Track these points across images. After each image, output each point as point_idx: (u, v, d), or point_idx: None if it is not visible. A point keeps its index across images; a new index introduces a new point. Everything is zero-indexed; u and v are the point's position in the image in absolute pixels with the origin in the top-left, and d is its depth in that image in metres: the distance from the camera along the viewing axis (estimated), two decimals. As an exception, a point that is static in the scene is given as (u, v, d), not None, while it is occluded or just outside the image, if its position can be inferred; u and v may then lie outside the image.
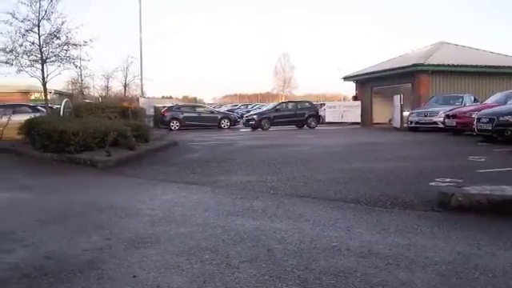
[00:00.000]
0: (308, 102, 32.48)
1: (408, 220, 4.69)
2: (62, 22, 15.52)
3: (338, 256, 3.55)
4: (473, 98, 20.33)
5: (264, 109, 31.18)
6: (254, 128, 26.05)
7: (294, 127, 26.94)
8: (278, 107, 28.65)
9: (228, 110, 41.53)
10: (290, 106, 29.07)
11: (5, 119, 15.30)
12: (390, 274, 3.16)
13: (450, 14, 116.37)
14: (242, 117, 31.86)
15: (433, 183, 6.44)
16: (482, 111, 14.09)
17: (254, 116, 27.35)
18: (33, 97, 36.12)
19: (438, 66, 23.76)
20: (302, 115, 27.36)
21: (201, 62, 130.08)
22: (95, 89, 45.64)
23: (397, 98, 22.49)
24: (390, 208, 5.23)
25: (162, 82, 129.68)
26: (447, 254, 3.57)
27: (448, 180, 6.61)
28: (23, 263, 3.52)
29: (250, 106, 54.39)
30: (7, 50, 15.13)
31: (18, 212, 5.44)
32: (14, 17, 14.96)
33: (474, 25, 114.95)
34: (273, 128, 26.20)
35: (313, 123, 27.07)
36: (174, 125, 27.08)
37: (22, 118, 14.42)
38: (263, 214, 5.03)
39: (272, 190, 6.43)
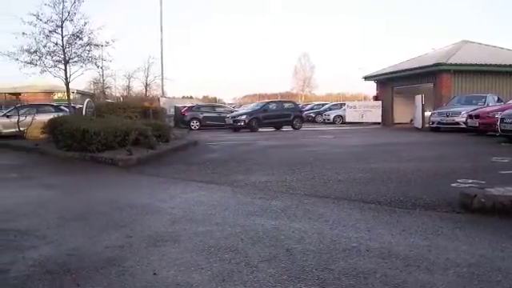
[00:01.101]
0: (292, 101, 31.42)
1: (429, 221, 4.64)
2: (85, 23, 15.80)
3: (357, 257, 3.54)
4: (496, 98, 19.97)
5: (249, 108, 28.20)
6: (236, 129, 24.38)
7: (274, 129, 25.38)
8: (265, 107, 26.27)
9: (248, 110, 41.55)
10: (276, 106, 26.99)
11: (29, 119, 15.60)
12: (410, 276, 3.13)
13: (472, 13, 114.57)
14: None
15: (455, 184, 6.35)
16: (506, 111, 13.82)
17: (243, 116, 25.14)
18: (56, 97, 36.78)
19: (460, 65, 23.38)
20: (288, 116, 25.98)
21: (221, 62, 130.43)
22: (117, 89, 46.31)
23: (418, 97, 22.24)
24: (410, 209, 5.18)
25: (183, 82, 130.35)
26: (469, 256, 3.52)
27: (470, 181, 6.52)
28: (47, 260, 3.59)
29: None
30: (31, 50, 15.46)
31: (42, 210, 5.54)
32: (38, 18, 15.28)
33: (497, 23, 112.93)
34: (260, 129, 24.56)
35: (298, 124, 25.97)
36: (194, 124, 27.23)
37: (45, 117, 14.72)
38: (282, 213, 5.03)
39: (291, 190, 6.43)
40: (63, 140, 11.37)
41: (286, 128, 25.35)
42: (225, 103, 52.82)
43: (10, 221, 4.90)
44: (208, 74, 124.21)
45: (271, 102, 29.33)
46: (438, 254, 3.60)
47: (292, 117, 26.12)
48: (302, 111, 29.27)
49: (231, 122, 25.21)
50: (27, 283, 3.14)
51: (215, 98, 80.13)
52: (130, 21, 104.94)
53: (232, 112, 29.74)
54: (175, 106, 28.88)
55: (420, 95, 22.14)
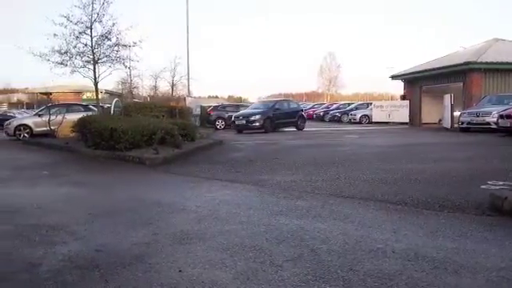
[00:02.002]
0: (295, 101, 30.34)
1: (457, 223, 4.56)
2: (113, 24, 16.03)
3: (383, 258, 3.50)
4: (529, 98, 19.43)
5: (256, 107, 25.07)
6: (239, 131, 22.13)
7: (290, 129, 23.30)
8: (277, 106, 23.94)
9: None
10: (283, 105, 24.87)
11: (59, 118, 15.94)
12: (437, 279, 3.09)
13: (502, 10, 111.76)
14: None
15: (484, 186, 6.22)
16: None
17: (257, 116, 22.29)
18: (85, 96, 37.50)
19: (491, 63, 22.82)
20: (293, 116, 24.34)
21: (246, 62, 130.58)
22: (144, 88, 46.79)
23: (447, 97, 21.84)
24: (438, 211, 5.10)
25: (208, 82, 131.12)
26: (499, 260, 3.44)
27: (501, 183, 6.36)
28: (76, 255, 3.69)
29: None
30: (62, 51, 15.78)
31: (72, 206, 5.68)
32: (68, 20, 15.58)
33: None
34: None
35: (302, 124, 24.41)
36: (220, 124, 27.34)
37: (75, 116, 15.01)
38: (307, 213, 5.02)
39: (316, 190, 6.41)
40: (92, 139, 11.59)
41: (287, 129, 23.32)
42: (250, 103, 52.87)
43: (41, 216, 5.04)
44: (233, 73, 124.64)
45: (278, 100, 27.12)
46: (466, 256, 3.53)
47: (297, 117, 24.58)
48: (303, 110, 28.17)
49: (243, 122, 22.23)
50: (57, 277, 3.22)
51: (240, 98, 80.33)
52: (157, 21, 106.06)
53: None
54: (201, 106, 29.04)
55: (449, 94, 21.73)
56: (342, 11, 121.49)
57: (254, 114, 22.75)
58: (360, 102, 42.04)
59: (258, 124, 22.03)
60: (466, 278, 3.10)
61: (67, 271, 3.33)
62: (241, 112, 24.39)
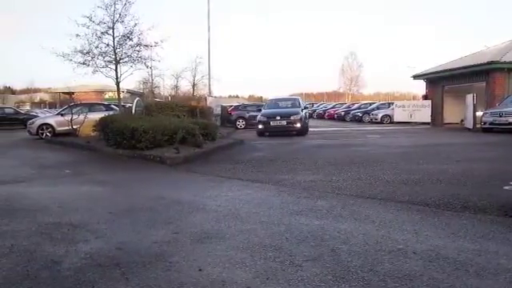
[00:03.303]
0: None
1: (479, 225, 4.50)
2: (135, 24, 16.27)
3: (403, 259, 3.48)
4: (553, 97, 19.01)
5: (271, 107, 21.05)
6: (261, 134, 18.82)
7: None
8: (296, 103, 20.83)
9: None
10: (289, 103, 21.49)
11: (81, 117, 16.19)
12: (458, 280, 3.05)
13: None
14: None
15: (507, 187, 6.13)
16: None
17: (297, 116, 18.80)
18: (106, 96, 38.05)
19: (515, 63, 22.39)
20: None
21: (268, 62, 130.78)
22: (165, 88, 47.16)
23: (470, 97, 21.50)
24: (460, 212, 5.04)
25: (229, 82, 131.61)
26: (522, 262, 3.39)
27: (525, 184, 6.26)
28: (97, 253, 3.74)
29: (315, 105, 53.96)
30: (84, 51, 16.04)
31: (93, 205, 5.76)
32: (91, 20, 15.84)
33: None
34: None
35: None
36: (240, 123, 27.43)
37: (96, 116, 15.26)
38: (328, 213, 5.01)
39: (337, 190, 6.38)
40: (113, 138, 11.75)
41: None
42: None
43: (63, 215, 5.12)
44: (254, 73, 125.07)
45: (283, 99, 23.05)
46: (488, 258, 3.49)
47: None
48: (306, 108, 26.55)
49: (282, 123, 18.41)
50: (79, 275, 3.28)
51: (261, 98, 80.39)
52: (178, 21, 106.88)
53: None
54: (221, 106, 29.16)
55: (471, 94, 21.39)
56: (364, 10, 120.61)
57: (293, 114, 18.73)
58: (381, 102, 41.70)
59: (299, 125, 18.35)
60: (488, 280, 3.07)
61: (88, 269, 3.38)
62: (272, 111, 19.41)
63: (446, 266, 3.31)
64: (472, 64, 24.34)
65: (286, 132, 18.13)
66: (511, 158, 9.91)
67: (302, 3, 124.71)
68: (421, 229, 4.35)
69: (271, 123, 18.34)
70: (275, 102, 21.34)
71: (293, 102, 21.35)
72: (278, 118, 18.45)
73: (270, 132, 18.32)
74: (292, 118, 18.33)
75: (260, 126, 18.79)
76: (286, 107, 20.08)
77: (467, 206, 5.21)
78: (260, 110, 28.85)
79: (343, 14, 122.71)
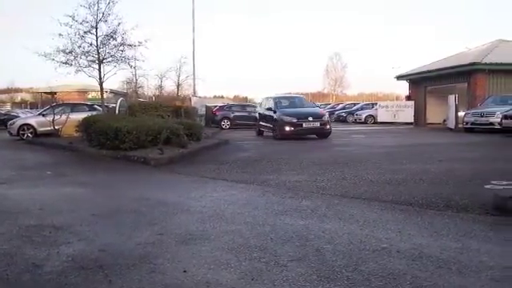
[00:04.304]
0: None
1: (461, 223, 4.56)
2: (118, 24, 16.12)
3: (387, 258, 3.50)
4: (533, 98, 19.35)
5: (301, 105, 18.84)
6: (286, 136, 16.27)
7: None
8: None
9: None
10: (303, 102, 19.82)
11: (64, 117, 16.00)
12: (441, 278, 3.09)
13: (508, 11, 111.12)
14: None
15: (488, 186, 6.21)
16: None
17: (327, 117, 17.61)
18: (90, 96, 37.67)
19: (495, 64, 22.75)
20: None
21: (252, 62, 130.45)
22: (149, 88, 46.94)
23: (452, 97, 21.76)
24: (442, 210, 5.10)
25: (214, 82, 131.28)
26: (503, 260, 3.45)
27: (504, 183, 6.36)
28: (80, 255, 3.69)
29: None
30: (67, 51, 15.85)
31: (76, 207, 5.69)
32: (73, 19, 15.65)
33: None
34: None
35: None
36: (225, 124, 27.40)
37: (79, 116, 15.06)
38: (312, 213, 5.02)
39: (321, 190, 6.41)
40: (96, 138, 11.63)
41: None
42: (255, 102, 52.90)
43: (45, 217, 5.05)
44: (239, 73, 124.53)
45: (292, 97, 21.11)
46: (470, 256, 3.53)
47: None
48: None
49: (316, 125, 16.48)
50: (61, 278, 3.23)
51: (246, 98, 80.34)
52: (163, 21, 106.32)
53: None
54: (206, 106, 29.09)
55: (453, 95, 21.65)
56: (348, 11, 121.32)
57: (323, 115, 17.62)
58: (365, 103, 42.00)
59: (329, 127, 17.10)
60: (470, 278, 3.11)
61: (70, 272, 3.33)
62: (298, 110, 17.21)
63: (429, 265, 3.34)
64: (454, 65, 24.69)
65: (318, 134, 16.54)
66: (492, 157, 10.06)
67: (287, 4, 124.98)
68: (404, 228, 4.39)
69: (304, 125, 16.13)
70: (289, 101, 18.68)
71: (303, 100, 19.92)
72: (311, 118, 16.35)
73: (300, 135, 16.22)
74: (324, 118, 16.94)
75: (287, 128, 16.08)
76: (307, 106, 18.52)
77: (449, 205, 5.28)
78: (245, 110, 28.99)
79: (328, 15, 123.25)
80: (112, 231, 4.47)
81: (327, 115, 18.23)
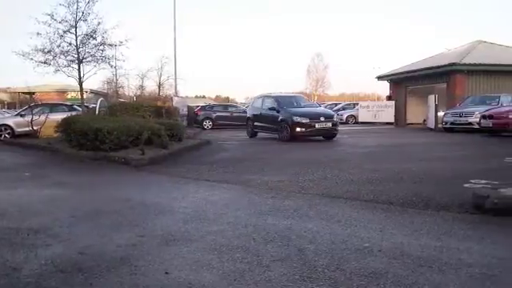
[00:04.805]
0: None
1: (441, 222, 4.61)
2: (98, 23, 15.98)
3: (369, 257, 3.53)
4: (510, 98, 19.67)
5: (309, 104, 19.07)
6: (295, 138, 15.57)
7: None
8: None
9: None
10: (306, 101, 19.51)
11: (42, 118, 15.76)
12: (422, 276, 3.12)
13: (487, 13, 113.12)
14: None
15: (467, 185, 6.30)
16: (521, 111, 13.68)
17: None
18: (69, 96, 37.16)
19: (474, 65, 23.14)
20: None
21: (234, 62, 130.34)
22: (130, 88, 46.68)
23: (431, 97, 22.05)
24: (423, 209, 5.15)
25: (196, 82, 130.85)
26: (481, 257, 3.50)
27: (483, 182, 6.46)
28: (59, 258, 3.62)
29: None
30: (46, 50, 15.64)
31: (55, 209, 5.60)
32: (52, 18, 15.46)
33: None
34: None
35: None
36: (207, 124, 27.32)
37: (58, 116, 14.83)
38: (295, 213, 5.03)
39: (303, 190, 6.42)
40: (76, 139, 11.47)
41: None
42: (237, 103, 52.92)
43: (23, 219, 4.96)
44: (221, 73, 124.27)
45: (292, 96, 20.24)
46: (450, 254, 3.58)
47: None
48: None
49: (327, 126, 15.70)
50: (39, 281, 3.17)
51: (228, 98, 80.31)
52: (144, 20, 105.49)
53: (245, 112, 28.52)
54: (188, 106, 28.98)
55: (433, 95, 21.95)
56: (330, 12, 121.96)
57: (333, 115, 17.12)
58: (347, 103, 42.32)
59: (338, 128, 16.78)
60: (450, 275, 3.14)
61: (49, 275, 3.27)
62: (307, 110, 16.46)
63: (409, 263, 3.37)
64: (434, 66, 25.02)
65: (329, 136, 15.88)
66: (471, 156, 10.22)
67: (269, 5, 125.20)
68: (385, 227, 4.43)
69: (317, 126, 15.28)
70: (291, 100, 17.69)
71: (303, 99, 19.07)
72: (323, 119, 15.57)
73: (312, 136, 15.59)
74: (335, 119, 16.42)
75: (299, 129, 15.17)
76: (312, 106, 17.88)
77: (430, 204, 5.33)
78: (227, 110, 28.92)
79: (310, 17, 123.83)
80: (92, 233, 4.40)
81: (336, 115, 17.88)
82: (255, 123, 17.86)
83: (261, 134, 17.57)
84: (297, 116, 15.39)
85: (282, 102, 16.80)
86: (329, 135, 15.83)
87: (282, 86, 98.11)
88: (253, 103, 19.65)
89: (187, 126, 21.06)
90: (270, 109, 16.60)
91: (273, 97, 17.56)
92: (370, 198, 5.80)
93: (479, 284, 2.99)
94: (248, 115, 19.11)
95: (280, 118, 15.85)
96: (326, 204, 5.53)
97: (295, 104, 17.08)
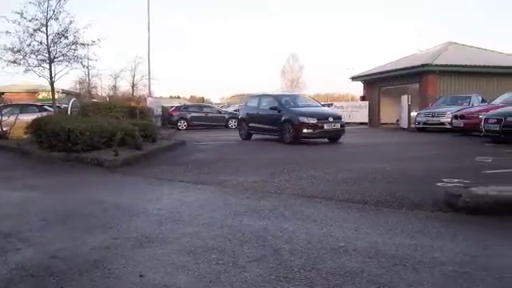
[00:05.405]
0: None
1: (415, 221, 4.67)
2: (70, 22, 15.70)
3: (345, 256, 3.54)
4: (480, 99, 20.21)
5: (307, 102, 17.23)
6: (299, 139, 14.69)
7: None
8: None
9: (236, 110, 41.31)
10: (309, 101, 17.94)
11: (12, 119, 15.38)
12: (397, 275, 3.15)
13: (459, 14, 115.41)
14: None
15: (440, 184, 6.41)
16: (490, 112, 14.02)
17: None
18: (40, 96, 36.44)
19: (445, 66, 23.66)
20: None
21: (209, 62, 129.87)
22: (103, 88, 46.11)
23: (404, 98, 22.42)
24: (397, 208, 5.21)
25: (170, 82, 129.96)
26: (454, 255, 3.55)
27: (455, 181, 6.58)
28: (30, 263, 3.53)
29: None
30: (15, 49, 15.28)
31: (25, 211, 5.46)
32: (22, 16, 15.12)
33: (483, 25, 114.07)
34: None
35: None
36: (182, 124, 27.16)
37: (29, 117, 14.48)
38: (270, 213, 5.02)
39: (279, 190, 6.43)
40: (47, 140, 11.22)
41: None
42: (212, 103, 52.83)
43: (-7, 223, 4.82)
44: (196, 73, 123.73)
45: (292, 95, 20.20)
46: (423, 252, 3.62)
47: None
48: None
49: (323, 127, 14.38)
50: (9, 286, 3.08)
51: (203, 98, 79.98)
52: (117, 20, 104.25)
53: (220, 112, 29.36)
54: (162, 106, 28.73)
55: (406, 95, 22.32)
56: (305, 12, 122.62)
57: (340, 115, 15.71)
58: (322, 103, 42.55)
59: (344, 129, 15.47)
60: (424, 273, 3.18)
61: (20, 279, 3.18)
62: (314, 110, 15.43)
63: (384, 262, 3.40)
64: (406, 66, 25.48)
65: (336, 137, 14.92)
66: (443, 156, 10.41)
67: (244, 6, 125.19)
68: (360, 226, 4.46)
69: (325, 127, 14.31)
70: (294, 99, 16.65)
71: (305, 98, 18.02)
72: (331, 119, 14.60)
73: (319, 138, 14.68)
74: (343, 119, 15.30)
75: (306, 131, 14.17)
76: (315, 105, 16.60)
77: (404, 203, 5.40)
78: (202, 111, 28.80)
79: (285, 17, 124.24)
80: (64, 236, 4.30)
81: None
82: (250, 124, 16.74)
83: (254, 136, 16.80)
84: (303, 116, 14.29)
85: (284, 101, 15.82)
86: (335, 137, 14.90)
87: (257, 86, 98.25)
88: (247, 103, 18.67)
89: (161, 127, 20.90)
90: (271, 108, 15.58)
91: (272, 96, 16.74)
92: (345, 197, 5.84)
93: (452, 281, 3.04)
94: (241, 116, 18.11)
95: (283, 118, 14.75)
96: (302, 204, 5.54)
97: (298, 103, 16.08)
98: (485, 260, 3.46)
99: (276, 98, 16.17)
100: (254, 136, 16.76)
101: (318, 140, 14.70)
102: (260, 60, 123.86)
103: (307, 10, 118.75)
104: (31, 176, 8.70)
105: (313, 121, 14.17)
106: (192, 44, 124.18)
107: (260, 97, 17.24)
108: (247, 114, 17.27)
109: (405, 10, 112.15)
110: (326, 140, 14.77)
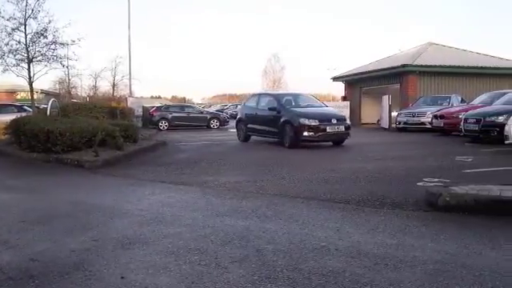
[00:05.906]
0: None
1: (396, 220, 4.71)
2: (49, 21, 15.52)
3: (327, 256, 3.55)
4: (460, 99, 20.52)
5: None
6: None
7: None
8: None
9: (217, 110, 41.23)
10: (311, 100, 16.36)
11: (-10, 119, 15.11)
12: (379, 274, 3.17)
13: (440, 15, 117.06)
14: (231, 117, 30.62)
15: (421, 183, 6.48)
16: (469, 112, 14.23)
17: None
18: (19, 96, 35.85)
19: (425, 66, 23.96)
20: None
21: (190, 62, 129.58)
22: (83, 88, 45.63)
23: (385, 98, 22.63)
24: (378, 208, 5.25)
25: (151, 82, 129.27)
26: (435, 254, 3.59)
27: (436, 180, 6.67)
28: (8, 266, 3.46)
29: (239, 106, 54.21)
30: (-8, 49, 15.03)
31: (3, 214, 5.35)
32: (-1, 15, 14.85)
33: (463, 25, 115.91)
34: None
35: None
36: (163, 125, 26.96)
37: (7, 117, 14.23)
38: (252, 214, 5.02)
39: (261, 191, 6.42)
40: (26, 141, 11.04)
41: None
42: (194, 103, 52.60)
43: (-30, 225, 4.72)
44: (177, 74, 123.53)
45: (295, 94, 16.97)
46: (405, 251, 3.66)
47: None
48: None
49: (326, 130, 13.16)
50: (-12, 290, 3.03)
51: (184, 98, 79.73)
52: (98, 20, 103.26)
53: (202, 112, 29.37)
54: (143, 106, 28.52)
55: (387, 96, 22.53)
56: (288, 13, 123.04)
57: (344, 117, 14.59)
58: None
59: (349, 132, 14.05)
60: (406, 272, 3.21)
61: (-1, 282, 3.13)
62: (315, 111, 14.12)
63: (366, 261, 3.42)
64: (387, 67, 25.72)
65: (340, 141, 13.81)
66: (424, 155, 10.52)
67: (225, 5, 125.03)
68: (342, 226, 4.48)
69: (328, 129, 13.13)
70: (296, 99, 15.23)
71: (310, 97, 16.46)
72: (335, 121, 13.46)
73: (321, 141, 13.58)
74: (347, 121, 14.26)
75: (306, 134, 12.93)
76: (319, 105, 15.26)
77: (385, 203, 5.45)
78: (184, 111, 28.64)
79: (267, 18, 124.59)
80: (44, 238, 4.23)
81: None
82: (249, 125, 15.42)
83: (253, 138, 15.66)
84: (304, 117, 13.09)
85: (284, 100, 14.58)
86: (339, 140, 13.77)
87: (239, 86, 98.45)
88: (246, 102, 17.30)
89: (142, 127, 20.75)
90: (270, 109, 14.30)
91: (272, 94, 15.84)
92: (326, 197, 5.87)
93: (433, 280, 3.07)
94: (239, 116, 16.67)
95: (282, 119, 13.49)
96: (284, 204, 5.55)
97: (300, 103, 14.82)
98: (465, 258, 3.50)
99: (276, 97, 15.04)
100: (253, 138, 15.68)
101: (321, 143, 13.80)
102: (242, 61, 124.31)
103: (290, 10, 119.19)
104: (9, 177, 8.56)
105: (314, 123, 13.01)
106: (174, 43, 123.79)
107: (259, 96, 16.21)
108: (245, 114, 16.00)
109: (388, 11, 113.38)
110: (330, 143, 13.74)
